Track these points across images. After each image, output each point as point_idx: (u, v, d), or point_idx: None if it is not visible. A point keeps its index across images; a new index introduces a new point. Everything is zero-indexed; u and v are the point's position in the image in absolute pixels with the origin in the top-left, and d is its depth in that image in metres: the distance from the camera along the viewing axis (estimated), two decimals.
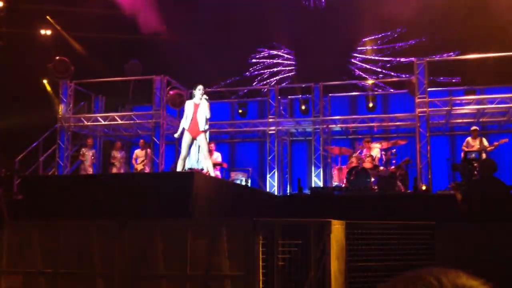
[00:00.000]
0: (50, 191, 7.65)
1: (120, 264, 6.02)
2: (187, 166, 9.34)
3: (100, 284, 6.04)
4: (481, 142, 12.39)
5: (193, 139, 9.15)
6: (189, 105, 9.24)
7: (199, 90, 9.18)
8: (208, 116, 9.16)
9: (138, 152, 14.71)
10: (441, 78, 17.16)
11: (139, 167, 14.41)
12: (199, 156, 9.58)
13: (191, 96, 9.53)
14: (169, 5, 17.53)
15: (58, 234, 6.25)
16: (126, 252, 6.03)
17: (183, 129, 9.15)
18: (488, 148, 12.38)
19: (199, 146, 9.56)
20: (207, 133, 9.46)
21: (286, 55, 21.08)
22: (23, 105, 15.18)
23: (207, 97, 9.21)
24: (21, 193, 10.62)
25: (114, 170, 14.66)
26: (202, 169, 9.35)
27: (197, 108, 9.10)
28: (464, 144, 12.66)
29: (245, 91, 19.06)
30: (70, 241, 6.26)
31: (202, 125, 9.04)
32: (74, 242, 6.25)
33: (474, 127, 12.89)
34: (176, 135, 9.49)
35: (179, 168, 9.14)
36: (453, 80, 17.34)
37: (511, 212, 8.24)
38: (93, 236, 6.17)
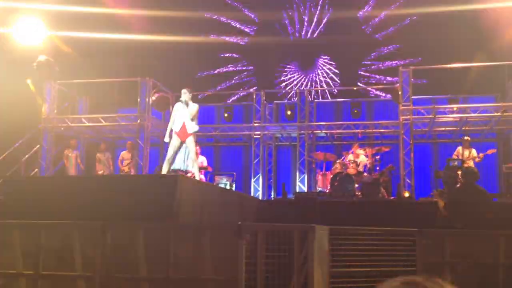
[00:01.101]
0: (32, 192, 7.57)
1: (102, 266, 5.97)
2: (173, 167, 9.33)
3: (81, 286, 5.98)
4: (470, 152, 12.55)
5: (182, 142, 9.15)
6: (177, 109, 9.25)
7: (185, 94, 9.20)
8: (195, 119, 9.17)
9: (124, 154, 14.61)
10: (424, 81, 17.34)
11: (125, 169, 14.32)
12: (186, 159, 9.56)
13: (178, 100, 9.53)
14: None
15: (39, 236, 6.18)
16: (108, 254, 5.98)
17: (171, 131, 9.16)
18: (476, 160, 12.54)
19: (186, 148, 9.56)
20: (194, 137, 9.44)
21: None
22: (5, 105, 14.98)
23: (195, 104, 9.26)
24: (2, 194, 10.48)
25: (98, 172, 14.55)
26: (187, 172, 9.33)
27: (184, 111, 9.12)
28: (455, 153, 12.77)
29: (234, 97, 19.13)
30: (52, 242, 6.19)
31: (191, 128, 9.05)
32: (55, 244, 6.18)
33: (466, 137, 13.02)
34: (166, 139, 9.48)
35: (164, 171, 9.12)
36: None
37: (492, 219, 8.33)
38: (75, 237, 6.11)
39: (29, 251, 6.18)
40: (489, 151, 12.68)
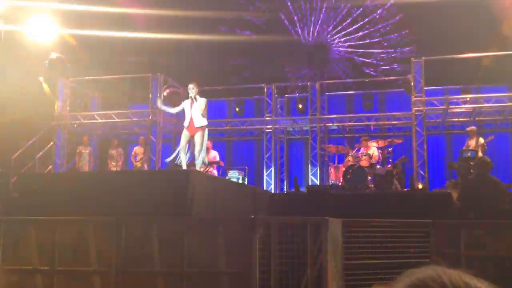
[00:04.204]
0: (46, 188, 7.64)
1: (117, 261, 6.02)
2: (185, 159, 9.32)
3: (97, 281, 6.04)
4: (477, 141, 12.43)
5: (191, 136, 9.16)
6: (185, 104, 9.29)
7: (192, 89, 9.16)
8: (204, 113, 9.15)
9: (137, 149, 14.68)
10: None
11: (138, 164, 14.39)
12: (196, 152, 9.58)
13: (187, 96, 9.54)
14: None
15: (55, 231, 6.24)
16: (122, 249, 6.02)
17: (183, 127, 9.22)
18: (482, 148, 12.42)
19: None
20: (206, 132, 9.44)
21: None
22: (19, 103, 15.12)
23: (203, 98, 9.23)
24: (17, 191, 10.60)
25: (111, 168, 14.63)
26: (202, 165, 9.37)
27: (192, 105, 9.14)
28: (464, 147, 12.67)
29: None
30: (67, 238, 6.25)
31: (198, 121, 9.04)
32: (70, 239, 6.24)
33: (470, 127, 12.91)
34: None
35: (182, 160, 9.18)
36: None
37: (506, 210, 8.27)
38: (89, 233, 6.16)
39: (45, 246, 6.24)
40: (489, 139, 12.55)
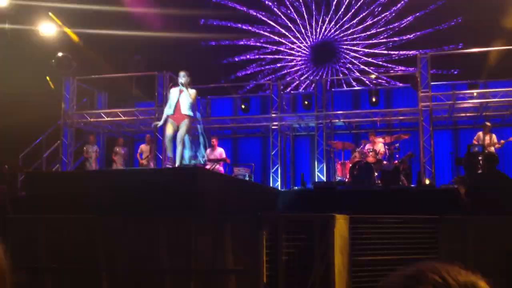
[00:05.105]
0: (53, 187, 7.67)
1: (125, 259, 6.04)
2: (187, 161, 8.91)
3: (105, 279, 6.06)
4: (491, 138, 12.39)
5: (177, 125, 8.68)
6: (173, 93, 8.86)
7: (183, 77, 8.75)
8: (193, 102, 8.73)
9: (143, 147, 14.71)
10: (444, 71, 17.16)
11: (144, 162, 14.41)
12: (198, 150, 9.28)
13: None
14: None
15: (62, 230, 6.27)
16: (130, 247, 6.04)
17: (167, 116, 8.76)
18: (497, 146, 12.39)
19: (202, 137, 9.26)
20: (201, 127, 9.24)
21: (289, 51, 21.09)
22: (26, 102, 15.18)
23: (194, 90, 8.84)
24: (24, 190, 10.65)
25: (117, 166, 14.67)
26: (205, 164, 9.27)
27: (181, 93, 8.72)
28: (475, 138, 12.62)
29: (248, 87, 19.14)
30: (75, 236, 6.28)
31: (186, 108, 8.62)
32: (78, 238, 6.27)
33: (487, 123, 12.86)
34: (159, 123, 9.14)
35: (168, 152, 8.84)
36: (455, 72, 17.36)
37: None
38: (97, 231, 6.19)
39: (53, 245, 6.28)
40: (510, 139, 12.54)
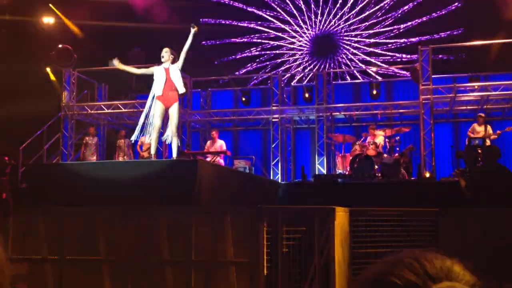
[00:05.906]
0: (54, 179, 7.67)
1: (125, 251, 6.05)
2: (165, 139, 8.38)
3: (106, 271, 6.08)
4: (486, 129, 12.38)
5: (166, 109, 8.02)
6: (158, 71, 8.08)
7: (166, 53, 8.09)
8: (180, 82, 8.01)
9: (143, 139, 14.65)
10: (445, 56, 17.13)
11: (144, 154, 14.40)
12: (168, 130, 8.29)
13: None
14: None
15: (63, 221, 6.28)
16: (131, 239, 6.06)
17: (153, 97, 8.05)
18: (492, 136, 12.36)
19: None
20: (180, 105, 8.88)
21: (289, 45, 21.06)
22: (26, 94, 15.17)
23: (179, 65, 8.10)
24: (25, 181, 10.66)
25: (119, 158, 14.66)
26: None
27: (168, 72, 8.04)
28: (470, 130, 12.63)
29: (250, 84, 19.15)
30: (75, 228, 6.29)
31: (180, 86, 7.98)
32: (79, 229, 6.28)
33: (480, 114, 12.87)
34: (147, 106, 8.31)
35: (149, 140, 8.19)
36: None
37: None
38: (98, 223, 6.20)
39: (54, 236, 6.29)
40: (507, 129, 12.47)
